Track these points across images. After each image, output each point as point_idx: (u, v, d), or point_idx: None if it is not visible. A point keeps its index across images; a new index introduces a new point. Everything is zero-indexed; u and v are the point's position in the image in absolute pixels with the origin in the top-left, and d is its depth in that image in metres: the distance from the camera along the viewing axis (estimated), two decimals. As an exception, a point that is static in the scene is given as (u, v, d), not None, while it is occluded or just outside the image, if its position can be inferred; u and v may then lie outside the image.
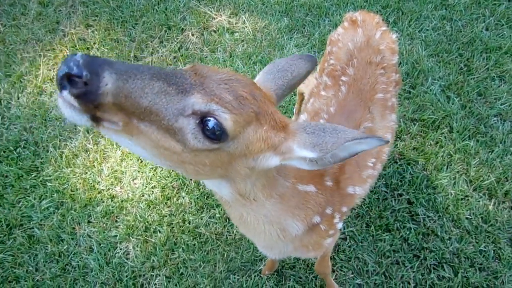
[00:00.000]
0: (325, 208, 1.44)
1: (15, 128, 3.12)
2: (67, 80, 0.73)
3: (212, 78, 0.86)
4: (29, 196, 2.76)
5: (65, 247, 2.53)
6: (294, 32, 3.46)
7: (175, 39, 3.51)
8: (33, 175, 2.86)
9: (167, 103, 0.81)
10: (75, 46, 3.50)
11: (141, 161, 2.85)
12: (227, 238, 2.50)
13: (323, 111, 1.67)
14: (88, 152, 2.93)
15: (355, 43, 1.81)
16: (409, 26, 3.43)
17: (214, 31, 3.57)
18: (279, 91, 1.16)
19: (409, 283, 2.29)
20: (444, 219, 2.47)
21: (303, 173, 1.36)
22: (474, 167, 2.65)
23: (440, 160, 2.68)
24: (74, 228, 2.61)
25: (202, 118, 0.83)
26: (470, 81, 3.07)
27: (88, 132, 3.02)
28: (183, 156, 0.87)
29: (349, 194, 1.55)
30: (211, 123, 0.83)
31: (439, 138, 2.78)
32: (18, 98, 3.29)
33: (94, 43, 3.53)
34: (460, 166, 2.67)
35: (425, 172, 2.65)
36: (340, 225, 1.58)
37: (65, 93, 0.74)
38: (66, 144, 2.99)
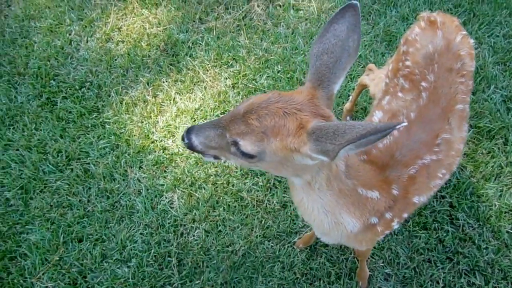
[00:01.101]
0: (384, 213, 1.50)
1: (82, 69, 3.30)
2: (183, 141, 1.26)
3: (237, 115, 1.15)
4: (88, 134, 2.95)
5: (116, 186, 2.71)
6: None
7: (241, 8, 3.55)
8: (94, 115, 3.04)
9: (221, 140, 1.19)
10: (145, 0, 3.60)
11: (195, 120, 2.97)
12: (266, 206, 2.60)
13: (402, 114, 1.67)
14: (146, 103, 3.08)
15: (435, 46, 1.76)
16: (479, 30, 3.32)
17: (280, 6, 3.58)
18: (327, 76, 1.17)
19: (438, 282, 2.33)
20: (484, 228, 2.47)
21: (370, 179, 1.43)
22: (524, 184, 2.61)
23: (490, 170, 2.65)
24: (126, 170, 2.78)
25: (237, 146, 1.16)
26: (536, 97, 2.97)
27: (148, 84, 3.16)
28: (251, 165, 1.25)
29: (413, 203, 1.60)
30: (239, 148, 1.15)
31: (492, 148, 2.74)
32: (87, 42, 3.46)
33: (163, 0, 3.62)
34: (509, 180, 2.64)
35: (472, 179, 2.63)
36: (396, 226, 1.64)
37: (187, 148, 1.28)
38: (127, 92, 3.14)
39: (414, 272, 2.36)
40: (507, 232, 2.46)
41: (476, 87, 3.02)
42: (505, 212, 2.53)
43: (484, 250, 2.40)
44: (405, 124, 0.91)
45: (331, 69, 1.17)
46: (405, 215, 1.59)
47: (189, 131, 1.23)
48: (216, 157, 1.27)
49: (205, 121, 1.23)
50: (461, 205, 2.53)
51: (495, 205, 2.54)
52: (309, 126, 1.06)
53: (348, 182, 1.30)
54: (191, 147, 1.24)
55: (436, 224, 2.48)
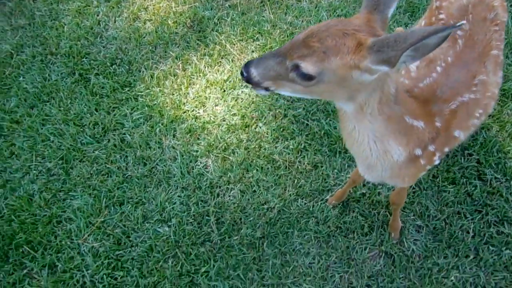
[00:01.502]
0: (428, 145, 1.59)
1: (112, 47, 3.43)
2: (241, 75, 1.36)
3: (297, 42, 1.24)
4: (122, 107, 3.07)
5: (152, 153, 2.84)
6: None
7: (263, -16, 3.64)
8: (126, 90, 3.17)
9: (281, 68, 1.28)
10: (169, -20, 3.71)
11: (224, 91, 3.08)
12: (298, 167, 2.70)
13: (440, 59, 1.77)
14: (176, 76, 3.20)
15: None
16: (499, -1, 3.38)
17: (300, -18, 3.67)
18: (383, 1, 1.25)
19: (468, 232, 2.42)
20: (511, 182, 2.54)
21: (415, 109, 1.53)
22: (549, 140, 2.68)
23: (515, 129, 2.72)
24: (161, 139, 2.91)
25: (297, 69, 1.23)
26: (558, 59, 3.03)
27: (177, 59, 3.28)
28: (307, 91, 1.31)
29: (453, 137, 1.69)
30: (300, 71, 1.23)
31: (517, 109, 2.81)
32: (115, 22, 3.58)
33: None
34: (534, 137, 2.71)
35: (498, 138, 2.71)
36: (437, 162, 1.73)
37: (244, 81, 1.38)
38: (157, 67, 3.26)
39: (445, 223, 2.45)
40: (534, 185, 2.54)
41: (497, 52, 3.09)
42: (531, 167, 2.60)
43: (512, 202, 2.48)
44: (464, 22, 1.00)
45: None
46: (446, 149, 1.68)
47: (247, 65, 1.33)
48: (267, 89, 1.36)
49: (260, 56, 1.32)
50: (488, 161, 2.61)
51: (521, 161, 2.62)
52: (368, 42, 1.15)
53: (396, 108, 1.39)
54: (248, 79, 1.33)
55: (464, 179, 2.57)
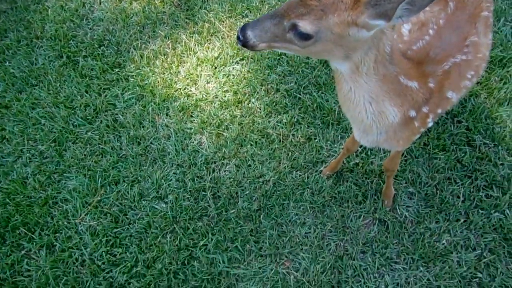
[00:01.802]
0: (422, 106, 1.62)
1: (99, 28, 3.38)
2: (238, 39, 1.36)
3: (294, 2, 1.22)
4: (113, 87, 3.05)
5: (146, 132, 2.83)
6: None
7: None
8: (116, 70, 3.14)
9: (277, 29, 1.28)
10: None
11: (215, 68, 3.07)
12: (292, 141, 2.73)
13: (432, 22, 1.78)
14: (166, 56, 3.17)
15: None
16: (485, -30, 3.39)
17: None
18: None
19: (458, 197, 2.48)
20: (500, 147, 2.61)
21: (410, 69, 1.54)
22: (535, 105, 2.74)
23: (503, 95, 2.77)
24: (154, 118, 2.90)
25: (294, 29, 1.23)
26: (543, 26, 3.07)
27: (166, 38, 3.25)
28: (304, 51, 1.32)
29: (446, 98, 1.71)
30: (298, 30, 1.24)
31: (505, 75, 2.86)
32: (100, 3, 3.52)
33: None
34: (522, 103, 2.77)
35: (486, 105, 2.76)
36: (430, 124, 1.76)
37: (239, 45, 1.37)
38: (146, 47, 3.23)
39: (436, 189, 2.51)
40: (521, 149, 2.60)
41: (484, 22, 3.12)
42: (519, 132, 2.67)
43: (500, 166, 2.55)
44: None
45: None
46: (439, 111, 1.71)
47: (244, 28, 1.33)
48: (260, 50, 1.38)
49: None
50: (477, 127, 2.67)
51: (509, 126, 2.68)
52: None
53: (391, 68, 1.41)
54: (245, 42, 1.33)
55: (454, 146, 2.62)
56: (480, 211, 2.44)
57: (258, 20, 1.32)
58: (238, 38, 1.35)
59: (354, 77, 1.41)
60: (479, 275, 2.26)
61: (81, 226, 2.55)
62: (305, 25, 1.22)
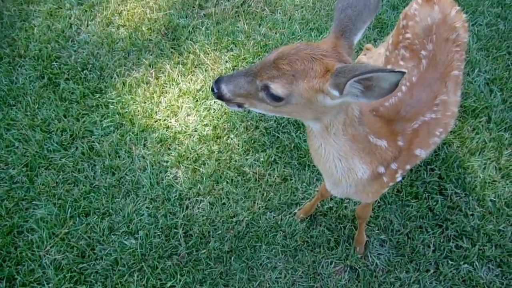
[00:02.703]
0: (390, 163, 1.65)
1: (83, 51, 3.36)
2: (212, 91, 1.38)
3: (267, 63, 1.26)
4: (92, 114, 3.01)
5: (121, 163, 2.79)
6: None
7: (239, -5, 3.66)
8: (97, 96, 3.11)
9: (251, 87, 1.31)
10: (144, -14, 3.68)
11: (197, 100, 3.07)
12: (267, 180, 2.73)
13: (405, 78, 1.83)
14: (149, 84, 3.16)
15: (433, 19, 1.94)
16: (464, 20, 3.53)
17: (276, -6, 3.71)
18: (349, 27, 1.31)
19: (429, 246, 2.50)
20: (470, 197, 2.65)
21: (379, 128, 1.58)
22: (505, 156, 2.81)
23: (475, 145, 2.84)
24: (131, 148, 2.87)
25: (267, 90, 1.27)
26: (516, 79, 3.19)
27: (150, 66, 3.25)
28: (276, 110, 1.35)
29: (415, 155, 1.75)
30: (270, 92, 1.27)
31: (477, 126, 2.94)
32: (88, 26, 3.52)
33: (162, -13, 3.70)
34: (492, 154, 2.84)
35: (458, 154, 2.82)
36: (399, 179, 1.79)
37: (215, 97, 1.39)
38: (130, 74, 3.22)
39: (407, 237, 2.53)
40: (491, 200, 2.66)
41: (461, 71, 3.22)
42: (489, 183, 2.72)
43: (471, 217, 2.59)
44: (405, 70, 1.05)
45: (353, 21, 1.31)
46: (408, 167, 1.74)
47: (218, 81, 1.35)
48: (239, 105, 1.39)
49: (231, 72, 1.31)
50: (449, 176, 2.72)
51: (480, 177, 2.74)
52: (334, 68, 1.20)
53: (360, 128, 1.44)
54: (220, 96, 1.35)
55: (427, 194, 2.66)
56: (449, 262, 2.46)
57: (233, 75, 1.35)
58: (212, 90, 1.36)
59: (324, 135, 1.44)
60: (446, 329, 2.27)
61: (45, 259, 2.47)
62: (276, 88, 1.25)
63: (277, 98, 1.27)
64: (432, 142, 1.82)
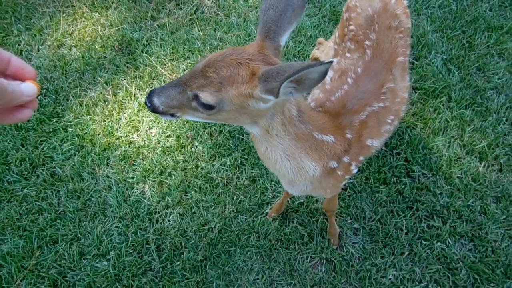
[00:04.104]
0: (342, 157, 1.64)
1: (37, 77, 3.27)
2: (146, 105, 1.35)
3: (196, 72, 1.24)
4: (50, 139, 2.93)
5: (85, 185, 2.72)
6: (306, 3, 3.60)
7: (191, 3, 3.65)
8: (54, 121, 3.03)
9: (182, 97, 1.28)
10: (94, 4, 3.62)
11: (158, 112, 3.03)
12: (236, 183, 2.70)
13: (351, 70, 1.84)
14: (107, 102, 3.10)
15: (374, 9, 1.95)
16: (416, 3, 3.59)
17: (229, -3, 3.70)
18: (272, 29, 1.29)
19: (401, 229, 2.51)
20: (437, 176, 2.69)
21: (324, 124, 1.58)
22: (468, 133, 2.86)
23: (438, 125, 2.88)
24: (94, 169, 2.80)
25: (197, 99, 1.24)
26: (471, 56, 3.25)
27: (106, 84, 3.19)
28: (211, 118, 1.32)
29: (367, 146, 1.75)
30: (200, 100, 1.25)
31: (438, 106, 2.98)
32: (38, 50, 3.43)
33: (113, 3, 3.65)
34: (455, 132, 2.88)
35: (422, 135, 2.86)
36: (355, 171, 1.78)
37: (150, 110, 1.34)
38: (86, 94, 3.15)
39: (380, 223, 2.54)
40: (458, 177, 2.69)
41: (418, 54, 3.27)
42: (454, 160, 2.76)
43: (440, 196, 2.62)
44: (333, 60, 1.04)
45: (276, 22, 1.30)
46: (361, 158, 1.73)
47: (150, 95, 1.31)
48: (172, 115, 1.35)
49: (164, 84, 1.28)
50: (415, 158, 2.74)
51: (445, 155, 2.77)
52: (260, 71, 1.18)
53: (302, 126, 1.43)
54: (153, 109, 1.31)
55: (395, 178, 2.68)
56: (423, 242, 2.48)
57: (164, 87, 1.31)
58: (146, 104, 1.32)
59: (267, 138, 1.42)
60: (426, 309, 2.28)
61: (15, 294, 2.38)
62: (205, 97, 1.23)
63: (208, 107, 1.26)
64: (384, 130, 1.82)
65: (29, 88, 0.83)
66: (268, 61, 1.24)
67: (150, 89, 1.36)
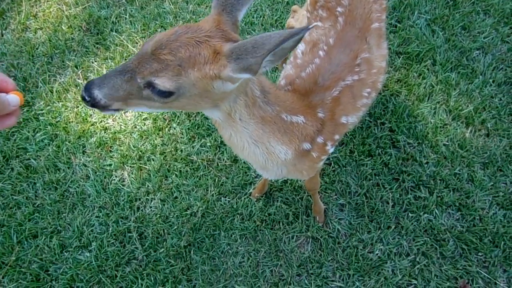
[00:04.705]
0: (315, 137, 1.53)
1: (3, 65, 3.10)
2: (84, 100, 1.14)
3: (145, 55, 1.10)
4: (22, 130, 2.80)
5: (62, 175, 2.63)
6: None
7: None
8: (24, 110, 2.88)
9: (131, 86, 1.11)
10: (57, -20, 3.38)
11: (132, 95, 2.89)
12: (217, 164, 2.62)
13: (322, 42, 1.69)
14: (78, 87, 2.95)
15: None
16: (399, -39, 3.38)
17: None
18: (230, 2, 1.18)
19: (387, 202, 2.47)
20: (423, 145, 2.61)
21: (292, 104, 1.45)
22: (454, 98, 2.76)
23: (422, 91, 2.78)
24: (69, 158, 2.69)
25: (151, 87, 1.10)
26: (455, 15, 3.10)
27: (76, 68, 3.02)
28: (166, 106, 1.18)
29: (341, 124, 1.62)
30: (155, 88, 1.10)
31: (422, 70, 2.87)
32: (2, 35, 3.23)
33: (77, -22, 3.41)
34: (441, 97, 2.78)
35: (407, 102, 2.76)
36: (331, 150, 1.68)
37: (88, 106, 1.16)
38: (56, 80, 2.99)
39: (365, 197, 2.48)
40: (444, 145, 2.62)
41: (401, 15, 3.11)
42: (440, 127, 2.68)
43: (426, 165, 2.56)
44: (316, 24, 0.93)
45: None
46: (337, 137, 1.63)
47: (88, 87, 1.12)
48: (117, 110, 1.19)
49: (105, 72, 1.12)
50: (400, 128, 2.66)
51: (431, 122, 2.69)
52: (225, 49, 1.06)
53: (268, 108, 1.32)
54: (94, 103, 1.13)
55: (380, 150, 2.60)
56: (410, 214, 2.44)
57: (105, 77, 1.13)
58: (84, 99, 1.12)
59: (230, 123, 1.32)
60: (414, 281, 2.26)
61: (-2, 291, 2.34)
62: (163, 83, 1.08)
63: (166, 94, 1.11)
64: (361, 104, 1.70)
65: (14, 99, 0.94)
66: (228, 37, 1.12)
67: (87, 81, 1.18)
